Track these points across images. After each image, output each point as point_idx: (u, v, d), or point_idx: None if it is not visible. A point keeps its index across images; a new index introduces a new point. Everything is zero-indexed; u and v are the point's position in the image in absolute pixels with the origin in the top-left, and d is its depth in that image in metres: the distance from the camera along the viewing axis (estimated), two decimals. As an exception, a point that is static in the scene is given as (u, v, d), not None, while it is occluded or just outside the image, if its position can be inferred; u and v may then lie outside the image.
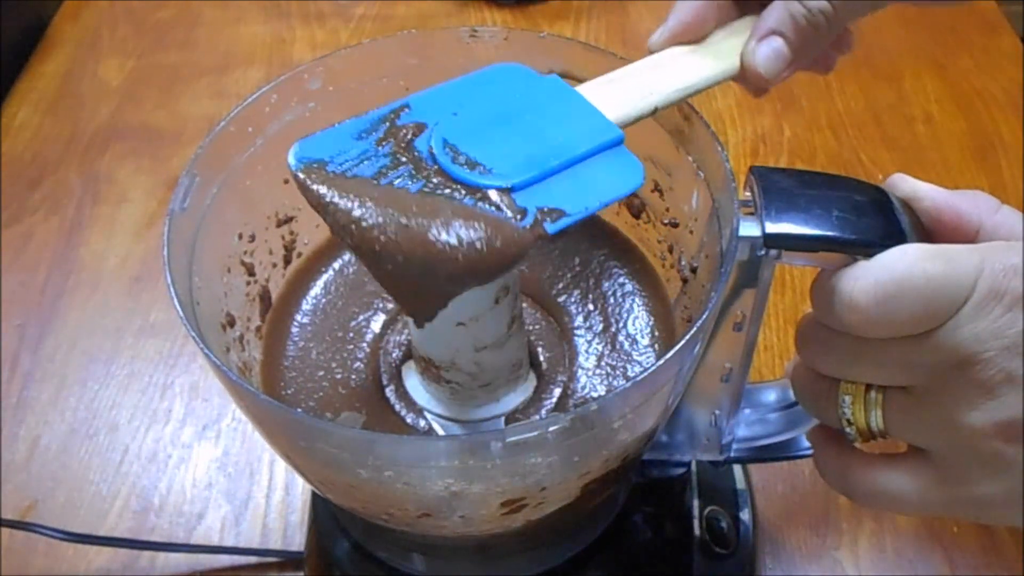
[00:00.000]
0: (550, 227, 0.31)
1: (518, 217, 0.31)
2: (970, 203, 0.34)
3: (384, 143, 0.32)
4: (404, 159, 0.32)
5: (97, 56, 0.90)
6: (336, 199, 0.31)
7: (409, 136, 0.32)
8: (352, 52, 0.42)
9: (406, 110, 0.33)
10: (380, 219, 0.30)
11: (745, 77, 0.38)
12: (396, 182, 0.31)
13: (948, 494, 0.33)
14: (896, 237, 0.32)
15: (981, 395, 0.31)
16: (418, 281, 0.31)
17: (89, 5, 0.96)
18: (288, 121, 0.41)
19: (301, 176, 0.31)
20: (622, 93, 0.36)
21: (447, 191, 0.31)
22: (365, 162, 0.32)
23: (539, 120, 0.33)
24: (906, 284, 0.31)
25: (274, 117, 0.41)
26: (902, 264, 0.31)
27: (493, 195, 0.31)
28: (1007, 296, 0.30)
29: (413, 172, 0.32)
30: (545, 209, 0.31)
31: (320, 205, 0.31)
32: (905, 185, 0.35)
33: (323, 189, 0.31)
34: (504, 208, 0.31)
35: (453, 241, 0.30)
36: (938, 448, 0.33)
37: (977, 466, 0.32)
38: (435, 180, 0.31)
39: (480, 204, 0.31)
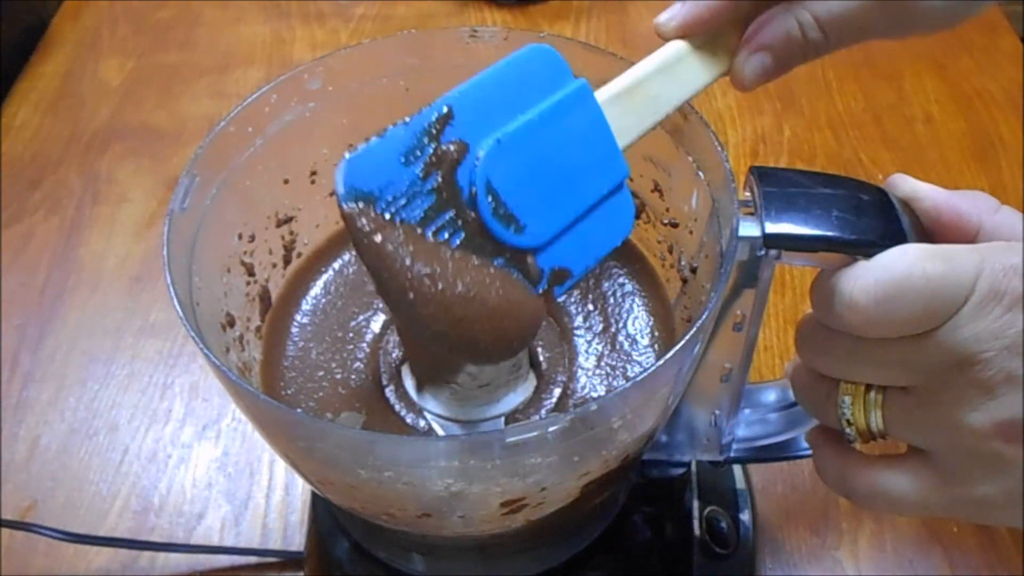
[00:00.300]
0: (558, 291, 0.32)
1: (536, 280, 0.32)
2: (970, 203, 0.34)
3: (429, 173, 0.32)
4: (447, 200, 0.32)
5: (97, 56, 0.90)
6: (387, 256, 0.30)
7: (452, 161, 0.32)
8: (352, 52, 0.42)
9: (451, 121, 0.32)
10: (424, 297, 0.30)
11: (727, 76, 0.38)
12: (439, 234, 0.31)
13: (949, 495, 0.33)
14: (896, 237, 0.32)
15: (981, 395, 0.31)
16: (442, 349, 0.31)
17: (89, 5, 0.96)
18: (288, 121, 0.41)
19: (357, 220, 0.31)
20: (634, 109, 0.35)
21: (484, 250, 0.32)
22: (412, 201, 0.31)
23: (566, 150, 0.33)
24: (906, 284, 0.31)
25: (274, 117, 0.41)
26: (902, 264, 0.31)
27: (520, 256, 0.32)
28: (1007, 296, 0.30)
29: (455, 219, 0.31)
30: (555, 269, 0.32)
31: (371, 257, 0.31)
32: (905, 185, 0.35)
33: (376, 239, 0.31)
34: (528, 271, 0.32)
35: (486, 328, 0.31)
36: (938, 449, 0.33)
37: (977, 466, 0.32)
38: (474, 233, 0.31)
39: (510, 268, 0.32)
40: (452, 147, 0.32)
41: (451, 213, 0.32)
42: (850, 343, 0.33)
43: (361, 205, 0.31)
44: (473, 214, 0.31)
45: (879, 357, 0.33)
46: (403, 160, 0.31)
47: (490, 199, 0.31)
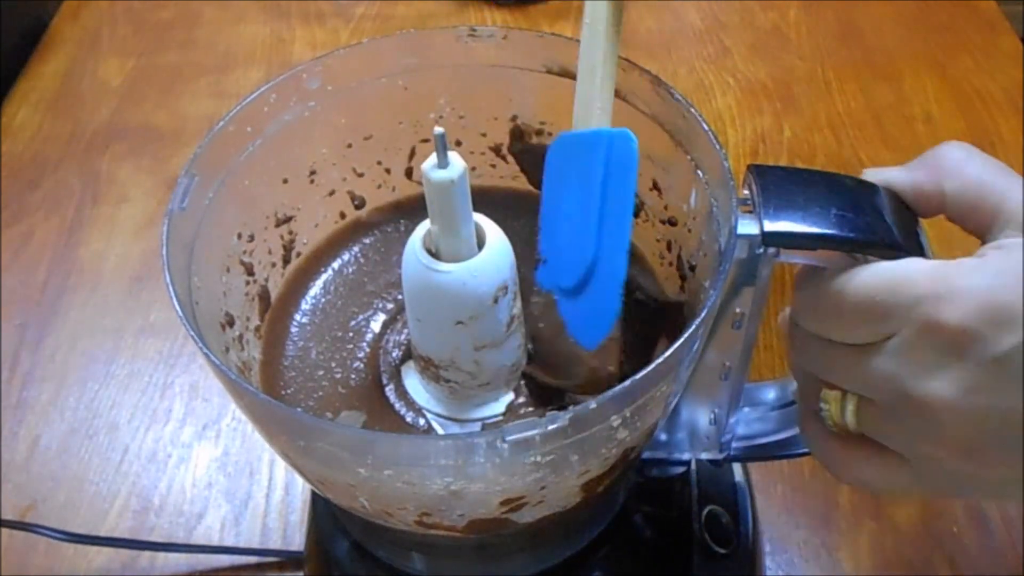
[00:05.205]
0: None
1: None
2: (928, 174, 0.34)
3: None
4: None
5: (97, 56, 0.90)
6: None
7: None
8: (351, 52, 0.42)
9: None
10: None
11: None
12: None
13: (926, 487, 0.35)
14: (894, 235, 0.33)
15: (923, 423, 0.32)
16: None
17: (89, 5, 0.96)
18: (287, 121, 0.41)
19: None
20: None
21: None
22: None
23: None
24: (850, 301, 0.32)
25: (273, 117, 0.41)
26: (852, 282, 0.32)
27: None
28: (941, 332, 0.30)
29: None
30: None
31: None
32: (877, 177, 0.35)
33: None
34: None
35: None
36: (908, 455, 0.34)
37: (944, 476, 0.33)
38: None
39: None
40: None
41: None
42: (822, 349, 0.34)
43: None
44: None
45: (844, 369, 0.34)
46: None
47: None
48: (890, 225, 0.33)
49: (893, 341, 0.31)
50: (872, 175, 0.35)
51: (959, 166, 0.33)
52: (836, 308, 0.33)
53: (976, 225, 0.33)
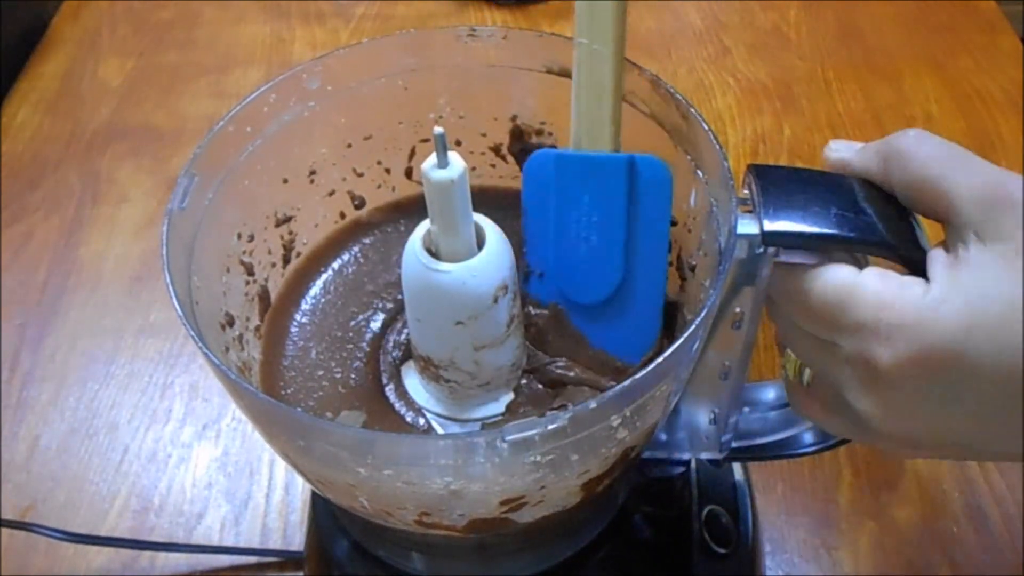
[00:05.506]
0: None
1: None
2: (878, 166, 0.34)
3: None
4: None
5: (97, 56, 0.90)
6: None
7: None
8: (350, 52, 0.42)
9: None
10: None
11: None
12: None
13: (876, 447, 0.37)
14: (893, 234, 0.33)
15: (860, 420, 0.33)
16: None
17: (89, 5, 0.96)
18: (287, 121, 0.41)
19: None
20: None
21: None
22: None
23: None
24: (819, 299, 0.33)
25: (273, 117, 0.41)
26: (818, 284, 0.33)
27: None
28: (872, 369, 0.31)
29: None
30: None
31: None
32: (838, 156, 0.36)
33: None
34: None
35: None
36: (856, 430, 0.35)
37: (891, 447, 0.35)
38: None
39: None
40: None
41: None
42: (787, 322, 0.35)
43: None
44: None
45: (802, 347, 0.35)
46: None
47: None
48: (888, 225, 0.33)
49: (840, 350, 0.32)
50: (835, 150, 0.36)
51: (903, 161, 0.33)
52: (798, 302, 0.34)
53: (935, 218, 0.33)
